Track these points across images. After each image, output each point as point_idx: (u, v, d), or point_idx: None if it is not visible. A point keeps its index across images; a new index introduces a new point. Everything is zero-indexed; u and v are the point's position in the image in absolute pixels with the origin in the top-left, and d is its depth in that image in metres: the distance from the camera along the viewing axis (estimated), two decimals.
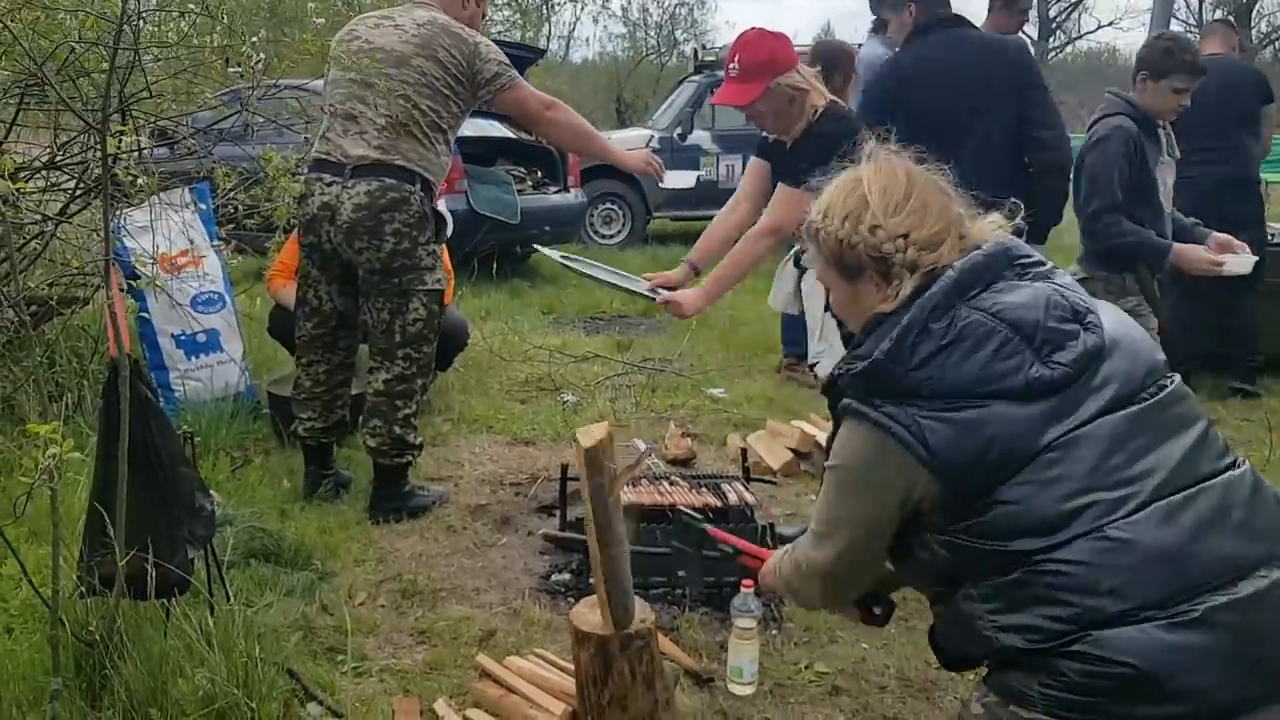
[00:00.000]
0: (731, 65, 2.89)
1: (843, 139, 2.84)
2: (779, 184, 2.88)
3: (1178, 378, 1.39)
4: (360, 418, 3.54)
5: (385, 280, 3.36)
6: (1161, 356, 1.40)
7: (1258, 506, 1.28)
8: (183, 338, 4.30)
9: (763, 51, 2.84)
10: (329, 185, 3.33)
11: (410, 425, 3.47)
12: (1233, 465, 1.32)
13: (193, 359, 4.33)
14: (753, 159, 3.14)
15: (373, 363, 3.47)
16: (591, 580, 2.91)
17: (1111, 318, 1.40)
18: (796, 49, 3.00)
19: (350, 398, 3.70)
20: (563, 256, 3.41)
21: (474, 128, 8.31)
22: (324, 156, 3.37)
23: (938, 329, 1.31)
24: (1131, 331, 1.39)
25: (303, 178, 3.44)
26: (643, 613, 2.09)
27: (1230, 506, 1.25)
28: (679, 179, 3.95)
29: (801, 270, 3.04)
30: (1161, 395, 1.33)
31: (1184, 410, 1.34)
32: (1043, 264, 1.42)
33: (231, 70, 2.71)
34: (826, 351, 2.83)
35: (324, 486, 3.60)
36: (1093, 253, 3.47)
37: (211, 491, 3.38)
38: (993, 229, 1.45)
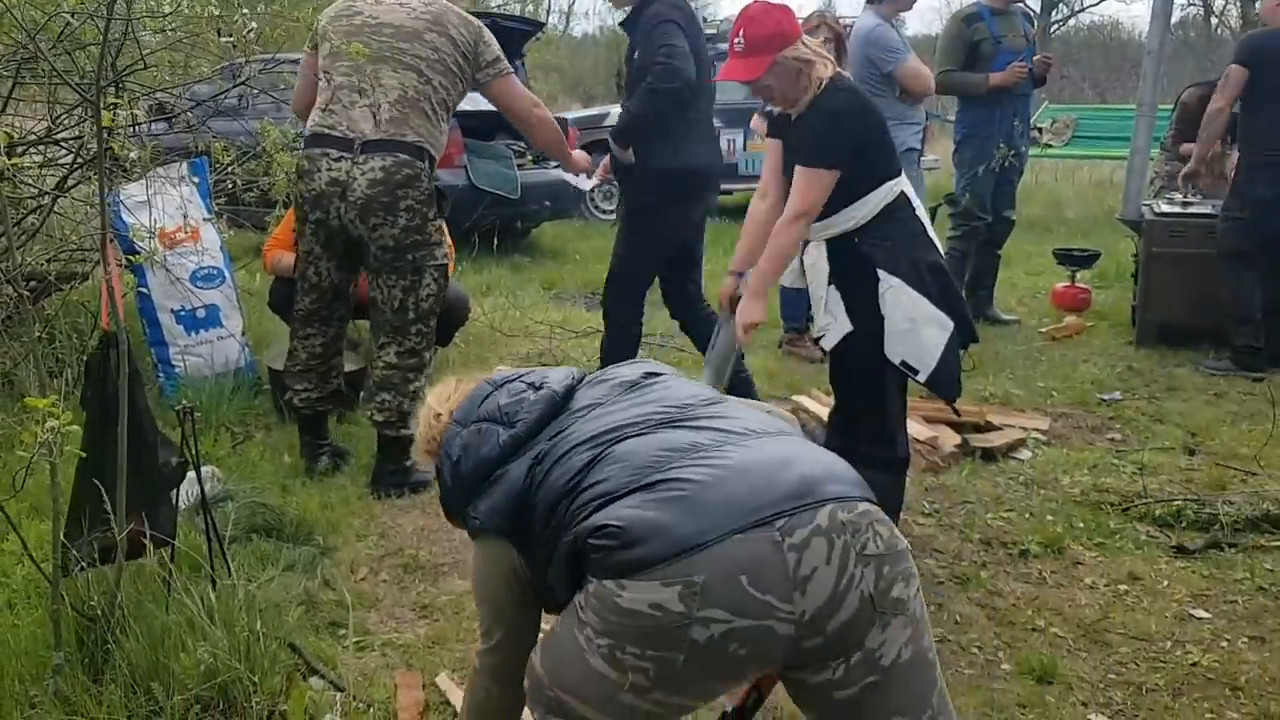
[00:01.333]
0: (736, 40, 2.84)
1: (847, 113, 2.81)
2: (796, 166, 2.84)
3: (667, 381, 1.78)
4: (364, 393, 3.53)
5: (399, 258, 3.34)
6: (646, 369, 1.82)
7: (711, 420, 1.61)
8: (182, 313, 4.29)
9: (769, 25, 2.79)
10: (337, 161, 3.28)
11: (419, 398, 3.45)
12: (707, 401, 1.69)
13: (193, 334, 4.32)
14: (769, 141, 3.09)
15: (382, 338, 3.45)
16: None
17: (592, 387, 1.78)
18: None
19: (344, 369, 3.70)
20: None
21: (472, 102, 8.20)
22: (328, 131, 3.31)
23: (453, 451, 1.74)
24: (613, 376, 1.81)
25: (300, 152, 3.40)
26: None
27: (682, 423, 1.60)
28: (583, 182, 4.10)
29: (804, 243, 3.01)
30: (640, 387, 1.74)
31: (659, 386, 1.74)
32: (516, 377, 1.84)
33: (224, 40, 2.68)
34: (831, 324, 2.81)
35: (323, 458, 3.61)
36: None
37: (211, 467, 3.40)
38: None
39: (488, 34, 3.46)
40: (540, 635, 1.74)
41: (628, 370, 1.84)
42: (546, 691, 1.57)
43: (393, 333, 3.42)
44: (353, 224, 3.32)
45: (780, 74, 2.80)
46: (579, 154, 3.96)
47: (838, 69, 2.90)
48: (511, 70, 3.55)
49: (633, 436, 1.60)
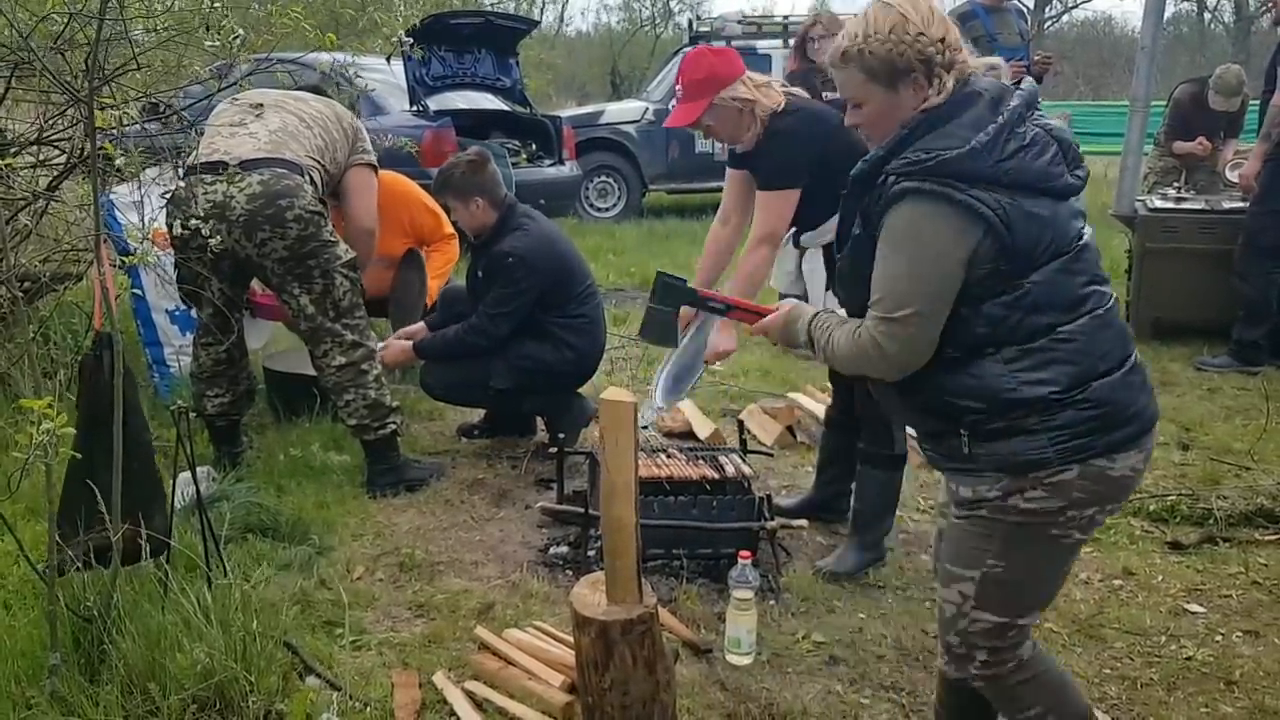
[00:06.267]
0: (677, 87, 2.93)
1: (796, 134, 2.83)
2: (757, 192, 2.90)
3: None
4: (330, 403, 3.54)
5: (299, 265, 3.27)
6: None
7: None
8: (177, 313, 4.28)
9: (701, 70, 2.87)
10: (212, 184, 3.18)
11: (381, 385, 3.45)
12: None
13: (187, 334, 4.30)
14: (728, 171, 3.13)
15: (322, 346, 3.39)
16: (592, 553, 2.93)
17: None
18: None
19: (250, 373, 3.70)
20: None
21: (466, 100, 8.22)
22: (204, 159, 3.22)
23: (1020, 133, 1.66)
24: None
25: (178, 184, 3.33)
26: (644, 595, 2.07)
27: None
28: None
29: (802, 250, 3.05)
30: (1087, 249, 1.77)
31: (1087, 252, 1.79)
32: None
33: (209, 46, 2.68)
34: None
35: (244, 459, 3.63)
36: None
37: (207, 467, 3.39)
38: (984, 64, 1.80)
39: (365, 131, 3.68)
40: (979, 595, 1.76)
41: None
42: (1010, 632, 1.77)
43: (327, 336, 3.37)
44: (239, 244, 3.21)
45: (719, 115, 2.88)
46: (393, 346, 3.83)
47: (789, 93, 2.92)
48: (376, 165, 3.69)
49: (1115, 303, 1.74)
